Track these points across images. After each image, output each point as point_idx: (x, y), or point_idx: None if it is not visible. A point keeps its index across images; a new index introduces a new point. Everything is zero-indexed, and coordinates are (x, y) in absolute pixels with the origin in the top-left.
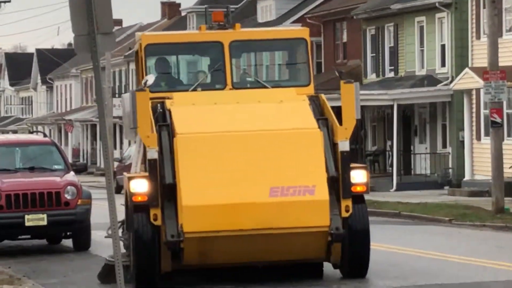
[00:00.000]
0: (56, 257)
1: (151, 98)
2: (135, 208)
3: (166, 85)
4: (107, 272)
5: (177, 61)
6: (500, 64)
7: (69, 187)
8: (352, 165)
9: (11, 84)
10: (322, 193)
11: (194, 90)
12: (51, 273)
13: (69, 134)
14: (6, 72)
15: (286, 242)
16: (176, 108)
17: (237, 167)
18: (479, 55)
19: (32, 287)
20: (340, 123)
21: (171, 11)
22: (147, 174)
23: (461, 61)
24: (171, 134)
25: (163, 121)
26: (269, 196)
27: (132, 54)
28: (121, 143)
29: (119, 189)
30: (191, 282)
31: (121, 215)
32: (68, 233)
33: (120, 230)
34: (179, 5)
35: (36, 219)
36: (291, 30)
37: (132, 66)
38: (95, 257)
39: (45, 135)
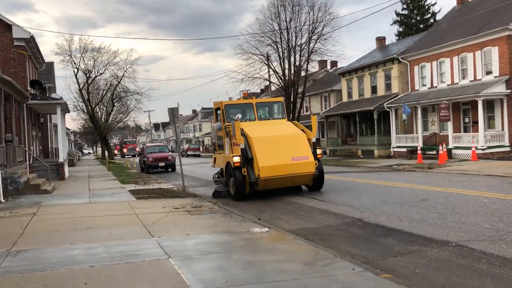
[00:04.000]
0: None
1: (227, 124)
2: (235, 168)
3: (232, 120)
4: (215, 193)
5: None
6: None
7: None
8: (317, 147)
9: None
10: (311, 158)
11: (245, 121)
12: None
13: None
14: None
15: (297, 178)
16: (245, 127)
17: (277, 149)
18: None
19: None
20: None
21: None
22: (239, 154)
23: None
24: (246, 137)
25: (242, 133)
26: (292, 160)
27: None
28: None
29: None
30: (256, 196)
31: (214, 170)
32: None
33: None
34: None
35: None
36: (277, 98)
37: None
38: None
39: None
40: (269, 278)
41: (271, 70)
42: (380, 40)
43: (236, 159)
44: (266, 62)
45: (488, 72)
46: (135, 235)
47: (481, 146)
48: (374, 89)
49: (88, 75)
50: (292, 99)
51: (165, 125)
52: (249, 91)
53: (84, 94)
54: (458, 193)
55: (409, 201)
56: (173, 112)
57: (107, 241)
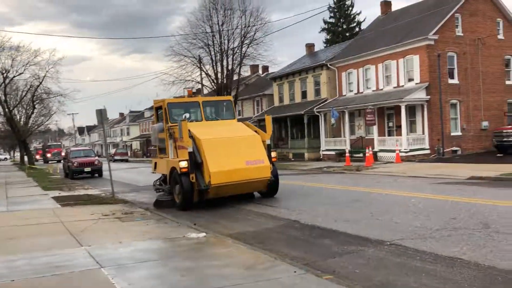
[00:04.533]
0: None
1: (172, 125)
2: (182, 173)
3: (177, 119)
4: (157, 203)
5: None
6: None
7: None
8: (272, 150)
9: None
10: (266, 162)
11: (191, 121)
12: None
13: None
14: None
15: (252, 184)
16: (193, 128)
17: (229, 152)
18: None
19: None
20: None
21: None
22: (187, 158)
23: None
24: (194, 139)
25: (189, 135)
26: (246, 165)
27: None
28: None
29: None
30: (204, 206)
31: (156, 176)
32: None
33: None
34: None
35: None
36: (225, 96)
37: None
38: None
39: None
40: (210, 284)
41: (203, 73)
42: (310, 46)
43: (183, 164)
44: (198, 65)
45: (410, 79)
46: (62, 245)
47: (404, 149)
48: (304, 94)
49: (5, 75)
50: None
51: (90, 129)
52: (192, 89)
53: (0, 95)
54: (387, 193)
55: (342, 202)
56: (101, 114)
57: (31, 252)
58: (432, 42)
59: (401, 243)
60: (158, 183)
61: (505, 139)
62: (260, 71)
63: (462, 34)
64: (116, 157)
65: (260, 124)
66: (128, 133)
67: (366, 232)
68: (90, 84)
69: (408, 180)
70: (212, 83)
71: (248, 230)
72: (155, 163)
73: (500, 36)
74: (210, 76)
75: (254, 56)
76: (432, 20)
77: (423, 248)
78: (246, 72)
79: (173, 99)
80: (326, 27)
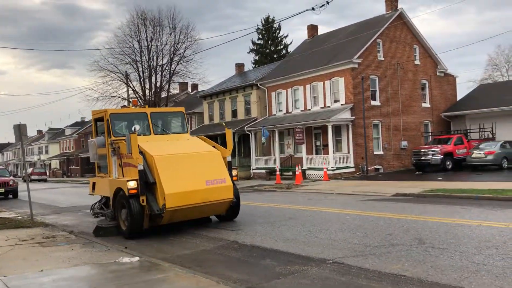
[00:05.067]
0: None
1: (116, 139)
2: (130, 196)
3: (120, 134)
4: (97, 230)
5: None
6: None
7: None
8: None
9: None
10: (228, 181)
11: (139, 135)
12: None
13: None
14: None
15: (213, 207)
16: (142, 143)
17: (186, 171)
18: None
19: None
20: (225, 147)
21: None
22: (136, 178)
23: None
24: (145, 156)
25: (139, 150)
26: (206, 185)
27: None
28: None
29: None
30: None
31: (95, 199)
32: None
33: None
34: None
35: None
36: (176, 107)
37: None
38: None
39: None
40: None
41: (130, 89)
42: (239, 66)
43: (132, 184)
44: (125, 81)
45: (336, 100)
46: None
47: (331, 167)
48: (234, 113)
49: None
50: None
51: (3, 147)
52: (117, 106)
53: None
54: (321, 211)
55: (278, 220)
56: (19, 129)
57: None
58: (356, 66)
59: (344, 261)
60: (98, 206)
61: (422, 158)
62: (190, 89)
63: (383, 59)
64: (33, 177)
65: None
66: (47, 152)
67: (307, 250)
68: (4, 99)
69: (338, 198)
70: (140, 100)
71: (184, 252)
72: (93, 183)
73: (417, 62)
74: (137, 92)
75: (184, 73)
76: (356, 45)
77: (366, 266)
78: (175, 89)
79: (117, 110)
80: (255, 48)
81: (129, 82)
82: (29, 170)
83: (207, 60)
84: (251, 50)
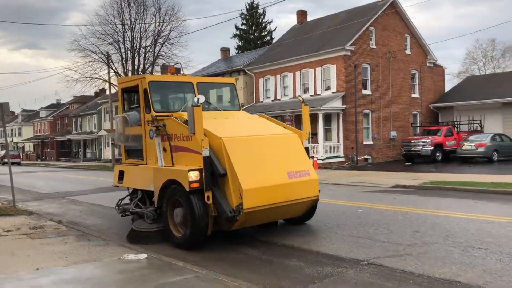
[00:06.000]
0: None
1: (160, 115)
2: (191, 191)
3: (163, 108)
4: (134, 235)
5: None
6: None
7: None
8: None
9: None
10: (314, 174)
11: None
12: None
13: None
14: None
15: (294, 207)
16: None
17: (262, 159)
18: None
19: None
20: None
21: None
22: (199, 167)
23: None
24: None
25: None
26: (288, 178)
27: None
28: None
29: None
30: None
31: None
32: None
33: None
34: None
35: None
36: (227, 78)
37: None
38: None
39: None
40: None
41: (112, 71)
42: (225, 51)
43: (194, 175)
44: (107, 62)
45: (327, 88)
46: None
47: (321, 157)
48: (220, 99)
49: None
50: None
51: None
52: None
53: None
54: (329, 203)
55: None
56: (1, 108)
57: None
58: (349, 53)
59: (380, 262)
60: (132, 203)
61: (412, 149)
62: None
63: (375, 47)
64: (5, 160)
65: None
66: (20, 134)
67: (332, 248)
68: None
69: (337, 189)
70: None
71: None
72: (121, 172)
73: (408, 51)
74: (119, 74)
75: (168, 56)
76: (347, 32)
77: (409, 269)
78: (157, 72)
79: (157, 76)
80: (238, 33)
81: (111, 64)
82: (1, 152)
83: (193, 43)
84: (235, 36)
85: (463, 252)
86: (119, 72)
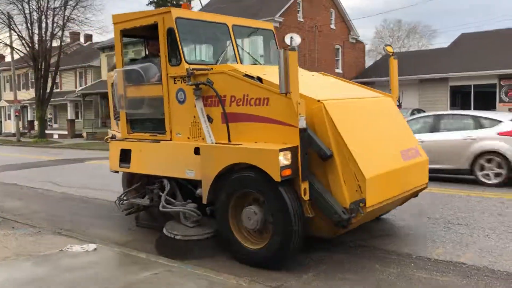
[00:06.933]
0: None
1: (200, 68)
2: (283, 180)
3: (196, 58)
4: (167, 244)
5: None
6: None
7: None
8: None
9: None
10: (423, 153)
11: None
12: None
13: None
14: None
15: (402, 200)
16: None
17: (370, 131)
18: None
19: None
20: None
21: None
22: (290, 145)
23: None
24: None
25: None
26: (403, 160)
27: None
28: None
29: None
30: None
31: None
32: None
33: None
34: None
35: None
36: (265, 23)
37: None
38: None
39: None
40: None
41: (15, 34)
42: None
43: (286, 157)
44: (8, 23)
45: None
46: None
47: None
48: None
49: None
50: (43, 73)
51: None
52: None
53: None
54: None
55: None
56: None
57: None
58: (277, 25)
59: (364, 243)
60: (163, 198)
61: None
62: (82, 40)
63: (303, 20)
64: None
65: (85, 99)
66: None
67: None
68: None
69: None
70: (28, 48)
71: (141, 235)
72: (124, 152)
73: (332, 26)
74: (24, 38)
75: (81, 20)
76: (277, 3)
77: (405, 251)
78: (66, 38)
79: (187, 12)
80: (155, 0)
81: (13, 26)
82: None
83: (106, 8)
84: (150, 2)
85: (447, 230)
86: (23, 35)
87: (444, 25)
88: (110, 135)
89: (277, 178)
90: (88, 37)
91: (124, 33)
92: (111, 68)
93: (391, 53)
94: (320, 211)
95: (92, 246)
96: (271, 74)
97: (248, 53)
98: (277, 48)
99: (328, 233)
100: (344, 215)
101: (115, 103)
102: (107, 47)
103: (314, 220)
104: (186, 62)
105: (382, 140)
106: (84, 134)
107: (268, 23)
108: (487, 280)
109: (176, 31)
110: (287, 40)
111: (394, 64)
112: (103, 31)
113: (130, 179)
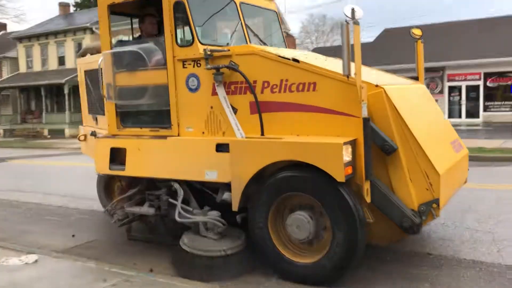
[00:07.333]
0: None
1: (220, 49)
2: (342, 183)
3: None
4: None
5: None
6: None
7: None
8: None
9: None
10: (464, 145)
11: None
12: None
13: None
14: None
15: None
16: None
17: (427, 122)
18: None
19: None
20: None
21: None
22: (352, 138)
23: None
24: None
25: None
26: (456, 152)
27: None
28: None
29: None
30: None
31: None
32: None
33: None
34: None
35: None
36: (268, 2)
37: None
38: None
39: None
40: None
41: None
42: (64, 6)
43: (348, 153)
44: None
45: None
46: None
47: None
48: (62, 60)
49: None
50: None
51: None
52: None
53: None
54: None
55: None
56: None
57: None
58: None
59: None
60: (178, 206)
61: None
62: None
63: None
64: None
65: (1, 94)
66: None
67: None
68: None
69: None
70: None
71: (102, 238)
72: (114, 151)
73: None
74: None
75: None
76: None
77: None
78: None
79: None
80: None
81: None
82: None
83: None
84: None
85: (455, 227)
86: None
87: (367, 21)
88: (83, 132)
89: (340, 178)
90: (2, 26)
91: (112, 9)
92: (82, 52)
93: (418, 37)
94: (383, 215)
95: (32, 257)
96: (300, 55)
97: (256, 35)
98: (281, 29)
99: (384, 240)
100: (416, 218)
101: (90, 94)
102: (25, 37)
103: (370, 226)
104: (200, 42)
105: (435, 131)
106: (1, 131)
107: (272, 2)
108: None
109: (187, 5)
110: (346, 11)
111: (420, 48)
112: (20, 20)
113: (108, 184)
